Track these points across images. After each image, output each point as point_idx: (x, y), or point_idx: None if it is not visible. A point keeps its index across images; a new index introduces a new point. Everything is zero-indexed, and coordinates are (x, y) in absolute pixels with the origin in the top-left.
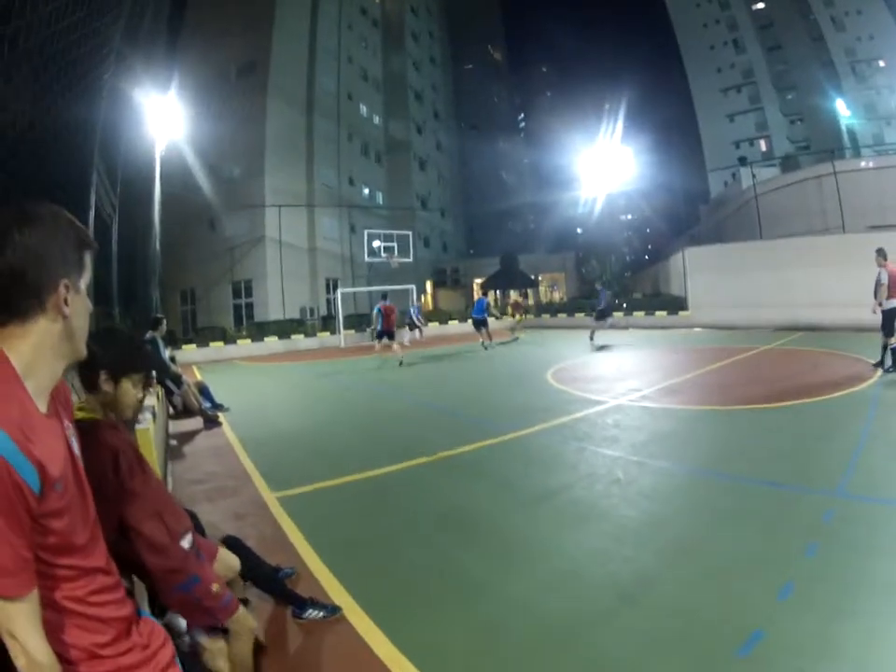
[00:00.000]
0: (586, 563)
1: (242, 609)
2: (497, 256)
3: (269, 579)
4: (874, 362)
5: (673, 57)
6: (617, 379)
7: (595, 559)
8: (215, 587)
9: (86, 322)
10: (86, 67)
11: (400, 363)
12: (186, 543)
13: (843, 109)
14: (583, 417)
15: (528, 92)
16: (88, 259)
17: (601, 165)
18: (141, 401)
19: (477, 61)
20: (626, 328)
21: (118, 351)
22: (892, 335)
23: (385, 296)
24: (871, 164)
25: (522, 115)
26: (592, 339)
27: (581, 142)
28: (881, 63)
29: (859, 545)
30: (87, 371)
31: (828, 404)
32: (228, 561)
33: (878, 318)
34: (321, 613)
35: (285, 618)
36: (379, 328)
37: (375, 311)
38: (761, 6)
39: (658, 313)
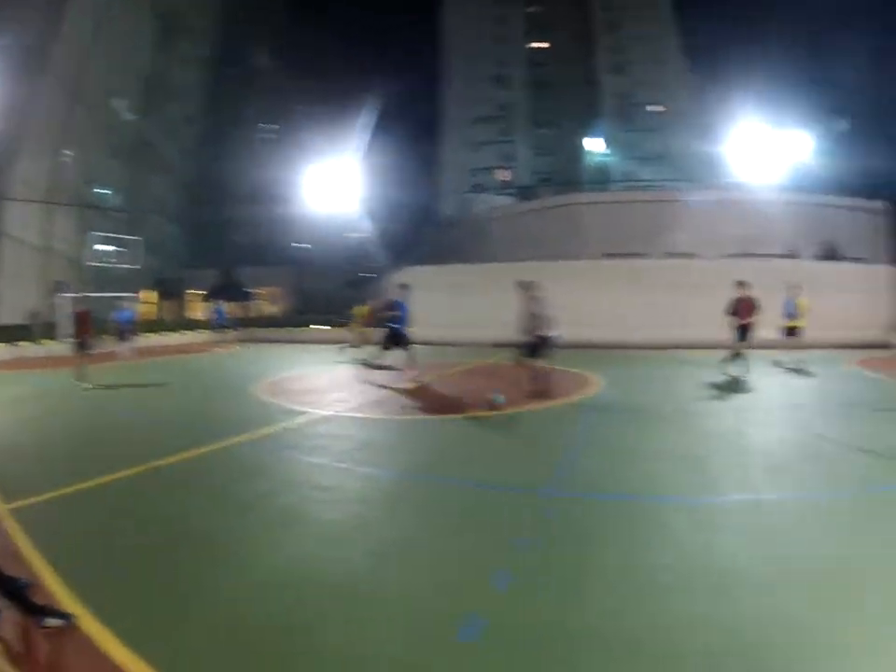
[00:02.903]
0: (299, 566)
1: None
2: (220, 267)
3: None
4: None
5: (435, 85)
6: (326, 391)
7: (307, 562)
8: None
9: None
10: None
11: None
12: None
13: (596, 147)
14: (291, 428)
15: (281, 104)
16: None
17: (335, 182)
18: None
19: (240, 66)
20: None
21: None
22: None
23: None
24: (603, 198)
25: (271, 126)
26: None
27: (318, 157)
28: (648, 108)
29: (569, 536)
30: None
31: (542, 413)
32: None
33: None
34: (56, 621)
35: (22, 626)
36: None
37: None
38: (545, 45)
39: (368, 329)
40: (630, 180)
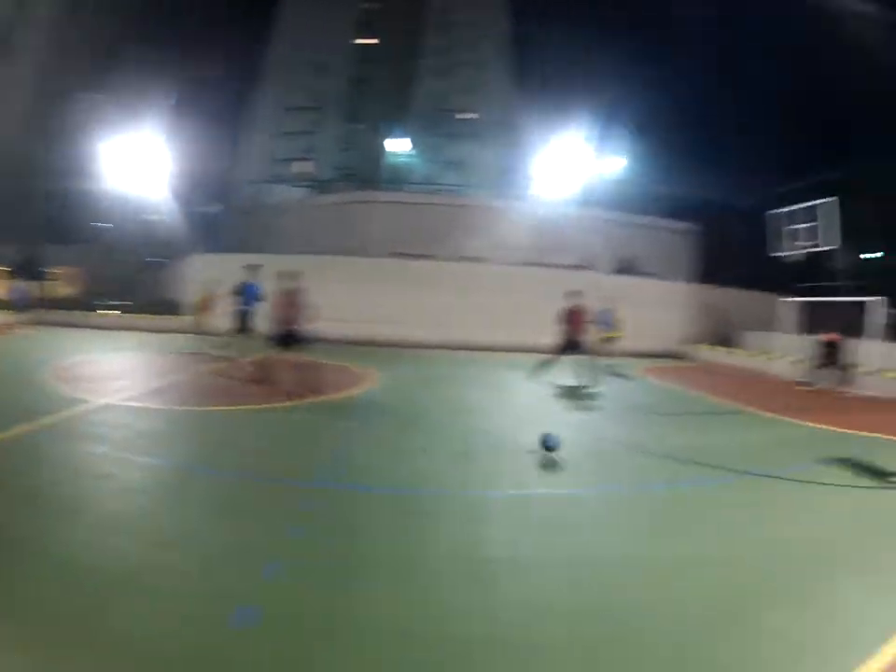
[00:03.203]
0: (80, 556)
1: None
2: (24, 242)
3: None
4: None
5: (258, 69)
6: (109, 379)
7: (87, 551)
8: None
9: None
10: None
11: None
12: None
13: (401, 147)
14: (71, 416)
15: (110, 77)
16: None
17: (143, 160)
18: None
19: (81, 32)
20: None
21: None
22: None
23: None
24: (400, 198)
25: (91, 98)
26: None
27: (128, 134)
28: (461, 115)
29: (339, 527)
30: None
31: (316, 406)
32: None
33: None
34: None
35: None
36: None
37: None
38: (373, 41)
39: (157, 316)
40: (431, 183)
